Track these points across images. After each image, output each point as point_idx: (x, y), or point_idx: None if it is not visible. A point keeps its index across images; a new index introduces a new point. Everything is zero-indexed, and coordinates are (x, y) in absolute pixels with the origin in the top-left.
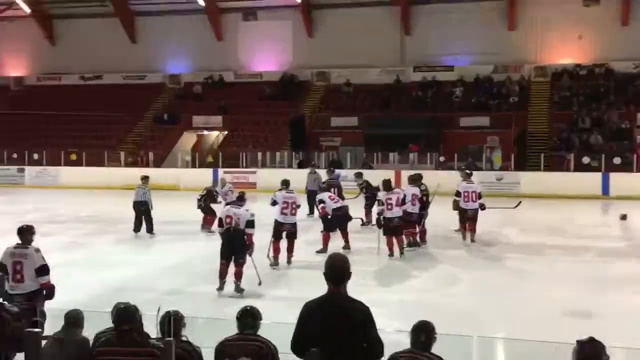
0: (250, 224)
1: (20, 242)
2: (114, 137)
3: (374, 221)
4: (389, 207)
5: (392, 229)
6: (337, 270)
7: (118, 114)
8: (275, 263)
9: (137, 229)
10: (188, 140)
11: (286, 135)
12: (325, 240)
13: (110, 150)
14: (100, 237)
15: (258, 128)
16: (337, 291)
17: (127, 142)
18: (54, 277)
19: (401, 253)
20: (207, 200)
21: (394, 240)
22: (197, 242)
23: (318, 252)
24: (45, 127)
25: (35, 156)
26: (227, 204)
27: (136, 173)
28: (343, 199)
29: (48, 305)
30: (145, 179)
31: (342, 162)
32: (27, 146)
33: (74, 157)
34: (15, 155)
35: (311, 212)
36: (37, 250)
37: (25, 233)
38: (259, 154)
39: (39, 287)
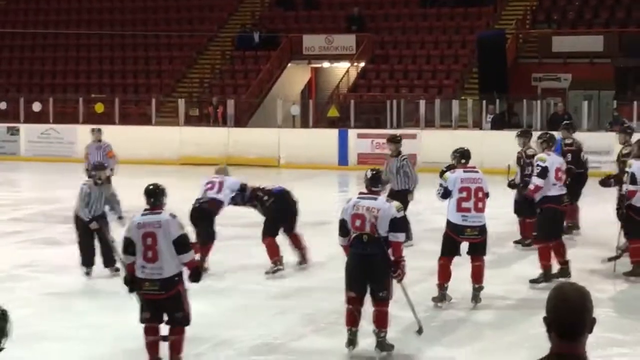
0: (398, 224)
1: (148, 206)
2: (168, 73)
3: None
4: None
5: None
6: (572, 315)
7: (173, 32)
8: (443, 297)
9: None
10: (295, 77)
11: (470, 69)
12: (545, 255)
13: (161, 97)
14: None
15: (419, 56)
16: (571, 352)
17: (189, 83)
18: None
19: None
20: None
21: None
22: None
23: (534, 281)
24: (52, 58)
25: (36, 107)
26: (358, 196)
27: (203, 137)
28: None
29: None
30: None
31: (572, 117)
32: (22, 90)
33: (99, 108)
34: (2, 106)
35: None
36: (174, 216)
37: (158, 194)
38: (421, 104)
39: (179, 270)
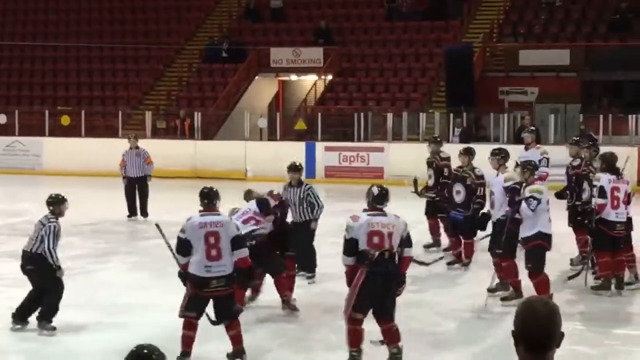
0: (409, 239)
1: (202, 208)
2: (135, 85)
3: None
4: (614, 203)
5: (612, 241)
6: (541, 329)
7: (140, 44)
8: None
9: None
10: (262, 90)
11: (437, 83)
12: (512, 272)
13: (128, 109)
14: (106, 262)
15: (386, 69)
16: None
17: (156, 95)
18: None
19: (619, 285)
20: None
21: (611, 262)
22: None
23: (505, 299)
24: (18, 70)
25: (2, 119)
26: (367, 212)
27: (171, 149)
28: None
29: None
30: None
31: (539, 131)
32: None
33: (66, 120)
34: None
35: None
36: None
37: (213, 197)
38: (389, 117)
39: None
